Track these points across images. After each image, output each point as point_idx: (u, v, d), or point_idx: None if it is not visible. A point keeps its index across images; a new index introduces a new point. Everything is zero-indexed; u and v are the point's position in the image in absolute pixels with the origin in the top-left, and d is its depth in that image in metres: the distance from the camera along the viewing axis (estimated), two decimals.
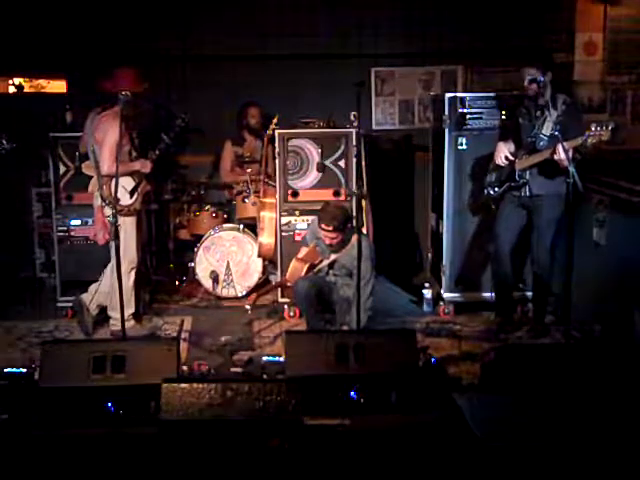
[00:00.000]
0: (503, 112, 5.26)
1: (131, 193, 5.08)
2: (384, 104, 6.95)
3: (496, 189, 5.04)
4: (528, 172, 4.87)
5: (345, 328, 4.90)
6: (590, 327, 4.92)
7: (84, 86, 6.28)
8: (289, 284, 5.20)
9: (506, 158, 4.92)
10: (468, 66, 6.89)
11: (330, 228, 4.88)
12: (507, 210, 5.05)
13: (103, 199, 4.98)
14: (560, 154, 4.48)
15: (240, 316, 5.49)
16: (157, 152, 5.21)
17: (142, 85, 5.11)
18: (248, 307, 5.20)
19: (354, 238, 4.81)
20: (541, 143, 4.81)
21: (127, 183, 5.06)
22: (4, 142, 4.48)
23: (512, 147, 4.97)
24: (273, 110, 5.90)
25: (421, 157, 6.59)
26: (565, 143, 4.42)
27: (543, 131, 4.81)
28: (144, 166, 5.14)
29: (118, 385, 3.74)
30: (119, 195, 4.91)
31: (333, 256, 5.06)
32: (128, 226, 5.07)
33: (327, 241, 4.96)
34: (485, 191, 5.14)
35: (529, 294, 5.44)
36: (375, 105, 6.94)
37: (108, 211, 4.91)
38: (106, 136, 4.87)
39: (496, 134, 5.25)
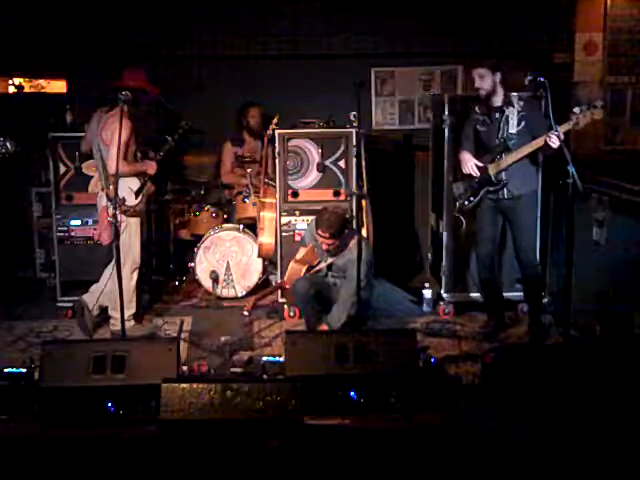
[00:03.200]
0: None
1: (137, 194, 5.07)
2: (384, 104, 6.95)
3: (471, 199, 4.95)
4: (504, 173, 4.83)
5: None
6: (590, 327, 4.92)
7: (84, 86, 6.29)
8: (288, 286, 5.21)
9: (476, 166, 4.87)
10: (468, 66, 6.89)
11: (327, 235, 4.89)
12: (486, 217, 4.98)
13: (109, 199, 4.96)
14: (554, 140, 4.42)
15: (240, 316, 5.49)
16: (161, 154, 5.22)
17: (154, 87, 5.15)
18: (246, 313, 5.19)
19: (352, 242, 4.81)
20: (512, 142, 4.77)
21: (134, 184, 5.05)
22: (8, 145, 4.46)
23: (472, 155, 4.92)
24: (273, 110, 5.91)
25: (421, 157, 6.59)
26: (558, 127, 4.38)
27: (510, 130, 4.78)
28: (150, 167, 5.13)
29: (118, 385, 3.74)
30: (125, 195, 4.93)
31: (330, 259, 5.07)
32: (132, 227, 5.08)
33: (324, 246, 4.97)
34: (457, 204, 5.06)
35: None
36: (375, 105, 6.93)
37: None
38: (114, 135, 4.84)
39: None
